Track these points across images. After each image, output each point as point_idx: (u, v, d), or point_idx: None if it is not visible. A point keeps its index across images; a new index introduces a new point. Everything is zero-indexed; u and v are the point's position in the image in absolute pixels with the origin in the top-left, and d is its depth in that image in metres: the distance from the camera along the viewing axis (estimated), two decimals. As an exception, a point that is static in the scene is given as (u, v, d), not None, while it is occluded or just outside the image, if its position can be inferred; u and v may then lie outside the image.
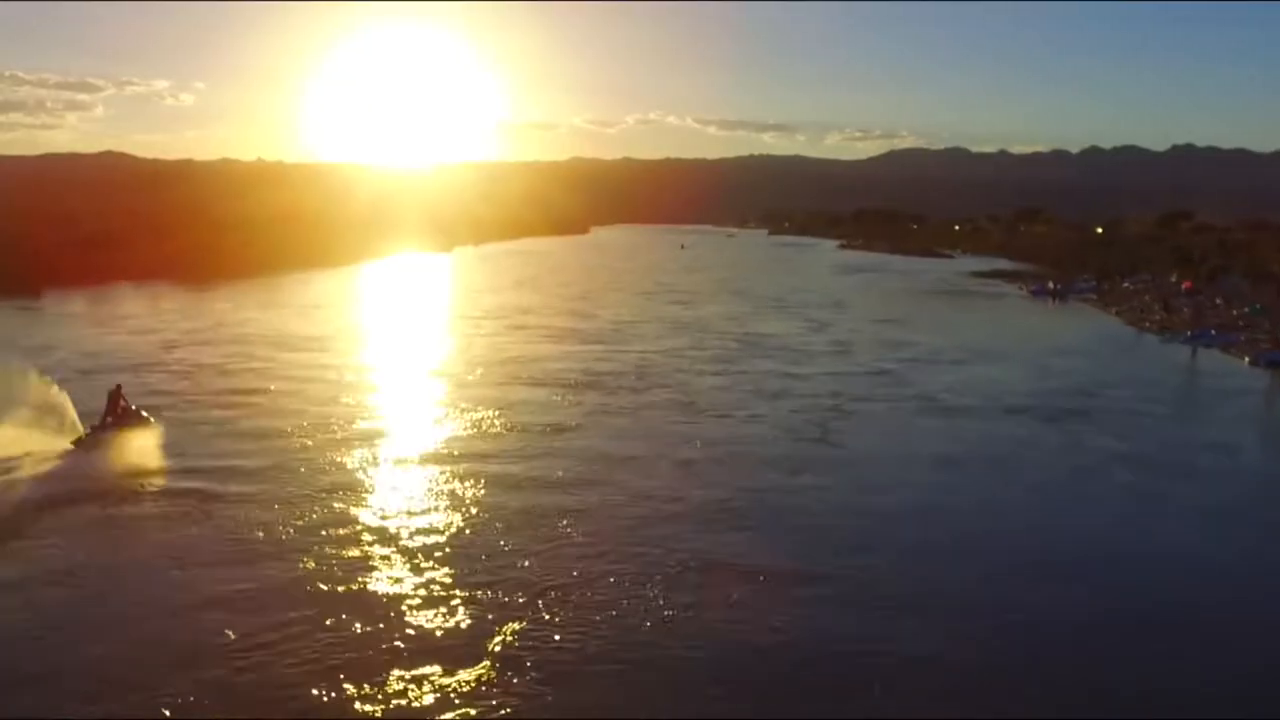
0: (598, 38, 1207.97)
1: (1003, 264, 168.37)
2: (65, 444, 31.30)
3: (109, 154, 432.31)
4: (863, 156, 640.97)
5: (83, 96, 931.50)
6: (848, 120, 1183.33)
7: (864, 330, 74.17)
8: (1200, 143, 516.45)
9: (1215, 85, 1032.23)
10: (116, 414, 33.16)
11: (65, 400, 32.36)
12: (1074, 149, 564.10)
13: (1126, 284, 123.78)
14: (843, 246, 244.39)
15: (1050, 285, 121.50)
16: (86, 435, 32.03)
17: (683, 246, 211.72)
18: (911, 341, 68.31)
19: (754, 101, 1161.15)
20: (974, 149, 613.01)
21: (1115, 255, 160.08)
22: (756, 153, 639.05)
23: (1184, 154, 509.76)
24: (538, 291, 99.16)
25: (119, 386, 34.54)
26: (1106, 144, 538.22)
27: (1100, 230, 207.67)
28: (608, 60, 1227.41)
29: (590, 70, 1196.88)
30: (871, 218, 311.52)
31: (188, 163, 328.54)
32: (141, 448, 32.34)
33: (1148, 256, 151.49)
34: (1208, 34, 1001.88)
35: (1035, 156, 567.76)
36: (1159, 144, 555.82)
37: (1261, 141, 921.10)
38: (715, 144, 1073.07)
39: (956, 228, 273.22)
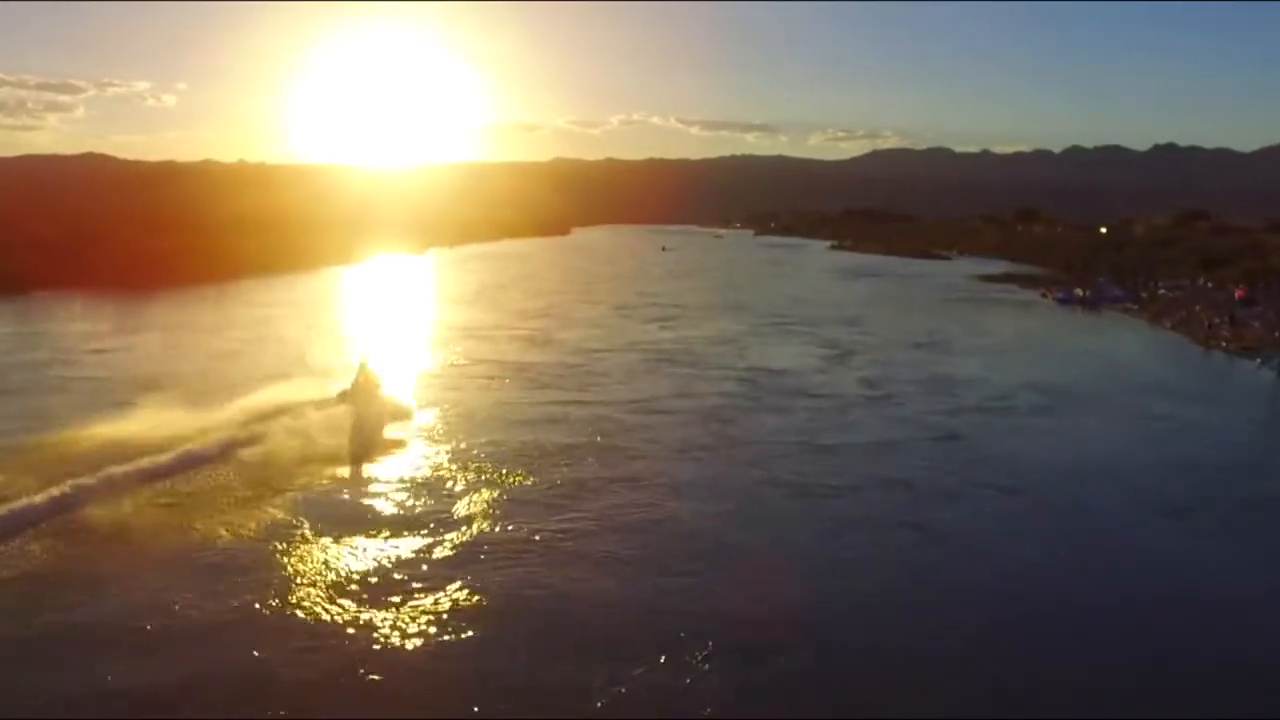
0: (582, 38, 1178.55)
1: (1006, 266, 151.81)
2: (333, 395, 37.21)
3: (90, 155, 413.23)
4: (846, 157, 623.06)
5: (64, 98, 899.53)
6: (831, 120, 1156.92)
7: (896, 359, 56.49)
8: (1182, 142, 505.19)
9: (1197, 85, 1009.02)
10: (364, 378, 37.17)
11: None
12: (1056, 149, 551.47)
13: (1162, 290, 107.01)
14: (834, 248, 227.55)
15: (1079, 293, 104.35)
16: (343, 393, 36.98)
17: (664, 249, 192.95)
18: (963, 377, 50.83)
19: (737, 102, 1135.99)
20: (957, 149, 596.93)
21: (1129, 257, 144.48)
22: (740, 153, 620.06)
23: (1166, 153, 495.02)
24: (498, 305, 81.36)
25: (366, 356, 39.06)
26: (1089, 144, 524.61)
27: (1105, 230, 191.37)
28: (591, 61, 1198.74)
29: (574, 71, 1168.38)
30: (859, 218, 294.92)
31: (169, 164, 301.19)
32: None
33: (1167, 259, 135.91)
34: (1189, 34, 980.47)
35: (1018, 156, 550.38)
36: (1141, 143, 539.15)
37: (1244, 141, 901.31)
38: (699, 144, 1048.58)
39: (947, 228, 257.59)
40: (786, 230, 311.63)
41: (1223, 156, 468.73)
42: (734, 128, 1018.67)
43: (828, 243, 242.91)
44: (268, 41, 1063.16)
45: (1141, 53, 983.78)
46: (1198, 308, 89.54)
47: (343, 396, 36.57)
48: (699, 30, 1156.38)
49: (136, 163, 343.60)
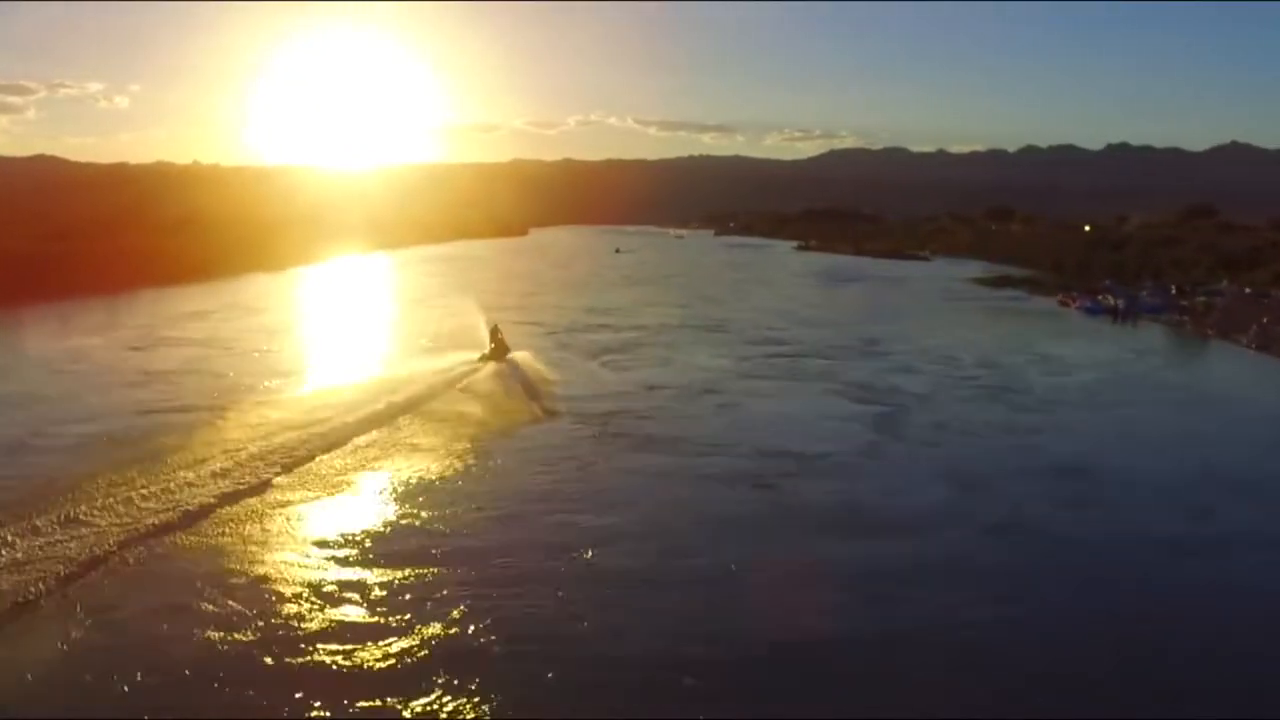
0: (539, 39, 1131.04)
1: (990, 268, 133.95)
2: (475, 358, 44.06)
3: (41, 157, 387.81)
4: (803, 156, 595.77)
5: (14, 99, 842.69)
6: (787, 120, 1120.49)
7: (971, 422, 35.61)
8: (1135, 141, 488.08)
9: (1148, 85, 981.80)
10: (497, 341, 45.41)
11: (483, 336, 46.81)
12: (1012, 148, 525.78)
13: (1202, 298, 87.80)
14: (801, 248, 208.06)
15: (1110, 302, 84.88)
16: (485, 355, 44.58)
17: (618, 250, 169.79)
18: (1099, 460, 30.22)
19: (694, 103, 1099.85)
20: (913, 149, 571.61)
21: (1130, 258, 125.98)
22: (697, 153, 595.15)
23: (1119, 153, 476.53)
24: (408, 328, 60.06)
25: (497, 324, 47.02)
26: (1043, 143, 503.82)
27: (1089, 228, 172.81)
28: (548, 62, 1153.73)
29: (531, 72, 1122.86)
30: (822, 217, 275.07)
31: (122, 166, 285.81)
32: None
33: (1175, 259, 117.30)
34: (1140, 34, 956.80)
35: (974, 156, 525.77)
36: (1095, 143, 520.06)
37: (1194, 140, 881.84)
38: (656, 145, 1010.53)
39: (916, 227, 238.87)
40: (746, 230, 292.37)
41: (1174, 156, 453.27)
42: (691, 128, 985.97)
43: (792, 243, 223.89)
44: (223, 43, 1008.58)
45: (1094, 53, 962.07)
46: (1265, 320, 70.84)
47: (484, 358, 44.09)
48: (655, 31, 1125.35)
49: (88, 165, 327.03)
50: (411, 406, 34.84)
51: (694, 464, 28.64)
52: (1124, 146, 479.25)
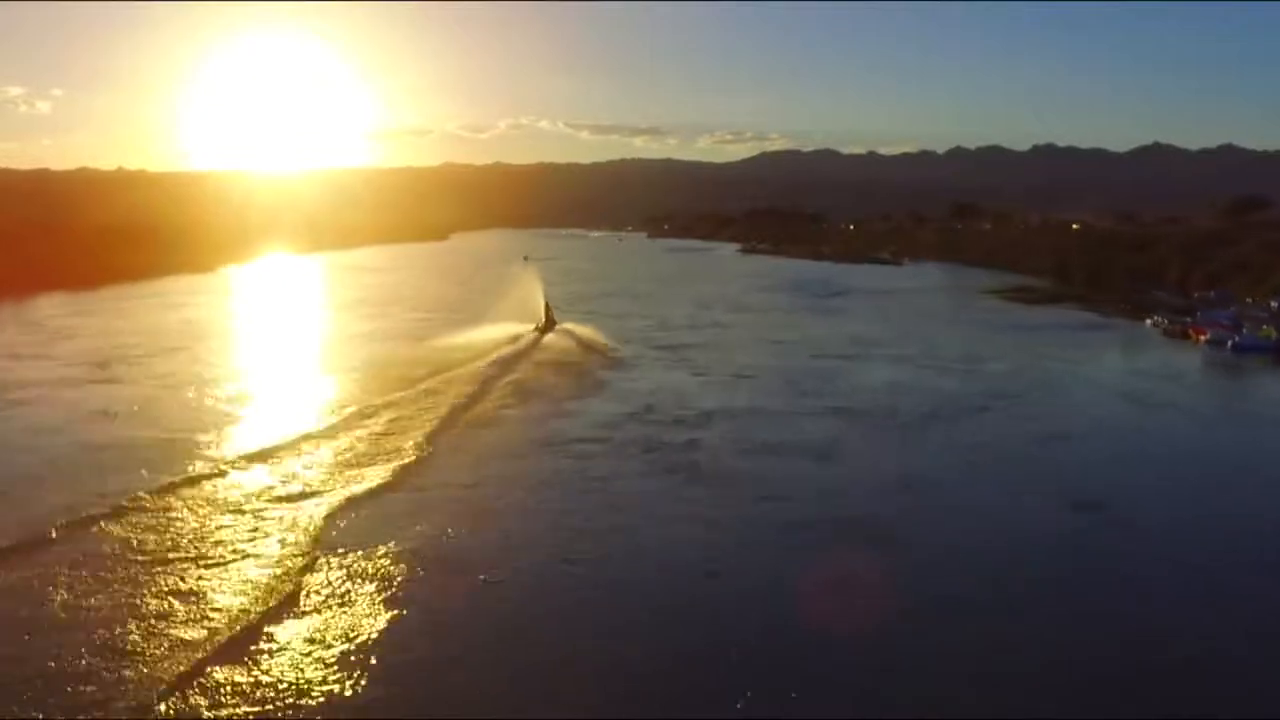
0: (471, 43, 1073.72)
1: (975, 273, 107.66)
2: (532, 328, 51.66)
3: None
4: (735, 159, 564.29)
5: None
6: (719, 123, 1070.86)
7: None
8: (1061, 142, 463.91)
9: (1072, 87, 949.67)
10: (548, 316, 53.65)
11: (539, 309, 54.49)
12: (940, 150, 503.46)
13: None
14: (745, 251, 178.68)
15: (1275, 335, 53.00)
16: (541, 326, 52.20)
17: (525, 258, 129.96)
18: None
19: (626, 106, 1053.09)
20: (844, 150, 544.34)
21: (1169, 262, 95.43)
22: (629, 156, 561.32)
23: (1045, 153, 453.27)
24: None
25: (548, 301, 55.32)
26: (971, 144, 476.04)
27: (1076, 227, 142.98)
28: (481, 65, 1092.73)
29: (463, 75, 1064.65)
30: (764, 218, 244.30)
31: (43, 172, 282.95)
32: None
33: (1237, 262, 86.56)
34: (1064, 37, 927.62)
35: (903, 157, 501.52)
36: (1021, 144, 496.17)
37: (1117, 141, 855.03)
38: (588, 148, 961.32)
39: (851, 227, 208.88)
40: (683, 232, 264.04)
41: (1099, 156, 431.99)
42: (623, 131, 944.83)
43: (734, 245, 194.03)
44: (150, 46, 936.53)
45: (1018, 54, 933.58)
46: None
47: (539, 328, 51.66)
48: (587, 34, 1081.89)
49: (7, 171, 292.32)
50: None
51: None
52: (1050, 147, 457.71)
